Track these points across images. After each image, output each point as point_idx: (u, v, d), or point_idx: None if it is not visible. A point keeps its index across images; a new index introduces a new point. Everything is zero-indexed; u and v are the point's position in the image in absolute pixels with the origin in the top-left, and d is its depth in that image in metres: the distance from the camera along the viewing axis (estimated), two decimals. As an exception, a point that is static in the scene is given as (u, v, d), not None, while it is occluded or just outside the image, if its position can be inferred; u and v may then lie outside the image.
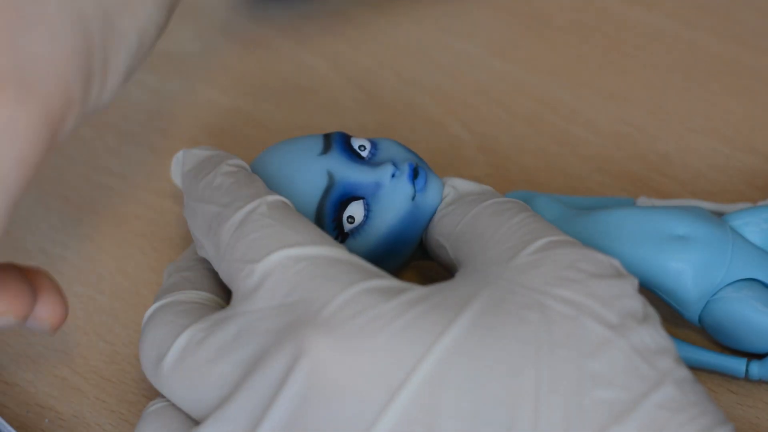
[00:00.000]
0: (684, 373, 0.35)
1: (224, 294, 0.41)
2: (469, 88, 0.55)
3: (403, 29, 0.57)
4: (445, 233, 0.41)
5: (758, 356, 0.43)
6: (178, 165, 0.44)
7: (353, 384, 0.34)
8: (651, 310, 0.36)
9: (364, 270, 0.37)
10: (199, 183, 0.41)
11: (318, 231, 0.38)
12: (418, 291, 0.36)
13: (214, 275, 0.42)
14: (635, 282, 0.37)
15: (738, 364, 0.43)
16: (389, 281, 0.37)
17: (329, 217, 0.42)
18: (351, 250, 0.42)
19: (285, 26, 0.58)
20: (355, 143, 0.43)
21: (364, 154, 0.43)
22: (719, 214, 0.46)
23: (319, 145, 0.43)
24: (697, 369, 0.44)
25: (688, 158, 0.51)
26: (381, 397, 0.34)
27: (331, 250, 0.37)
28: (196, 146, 0.44)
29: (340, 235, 0.42)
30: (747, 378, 0.43)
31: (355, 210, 0.42)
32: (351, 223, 0.42)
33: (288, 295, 0.36)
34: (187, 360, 0.37)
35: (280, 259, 0.37)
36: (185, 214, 0.41)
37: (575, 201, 0.48)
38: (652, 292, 0.43)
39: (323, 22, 0.58)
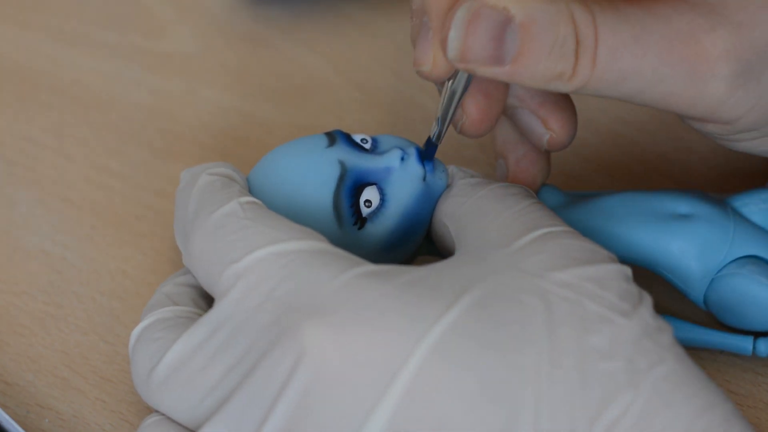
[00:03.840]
0: (683, 351, 0.35)
1: (205, 305, 0.41)
2: (469, 88, 0.55)
3: (403, 29, 0.57)
4: (449, 213, 0.42)
5: (765, 334, 0.43)
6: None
7: (353, 371, 0.34)
8: (646, 295, 0.36)
9: (352, 259, 0.37)
10: (181, 197, 0.41)
11: (297, 226, 0.38)
12: (414, 273, 0.36)
13: (193, 288, 0.42)
14: (629, 270, 0.37)
15: (745, 342, 0.43)
16: (381, 266, 0.37)
17: (347, 203, 0.42)
18: (371, 235, 0.42)
19: (285, 26, 0.58)
20: (356, 138, 0.44)
21: (367, 146, 0.43)
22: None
23: (323, 140, 0.43)
24: (701, 356, 0.44)
25: (688, 158, 0.51)
26: (382, 380, 0.34)
27: (314, 244, 0.37)
28: (199, 164, 0.44)
29: (359, 220, 0.42)
30: (754, 355, 0.43)
31: (371, 194, 0.42)
32: (368, 206, 0.42)
33: (275, 290, 0.36)
34: (179, 370, 0.37)
35: (264, 256, 0.37)
36: (174, 226, 0.42)
37: (576, 194, 0.48)
38: (656, 273, 0.43)
39: (323, 22, 0.58)
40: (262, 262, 0.37)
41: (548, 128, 0.44)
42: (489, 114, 0.43)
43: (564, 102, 0.44)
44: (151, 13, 0.58)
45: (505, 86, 0.43)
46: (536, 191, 0.45)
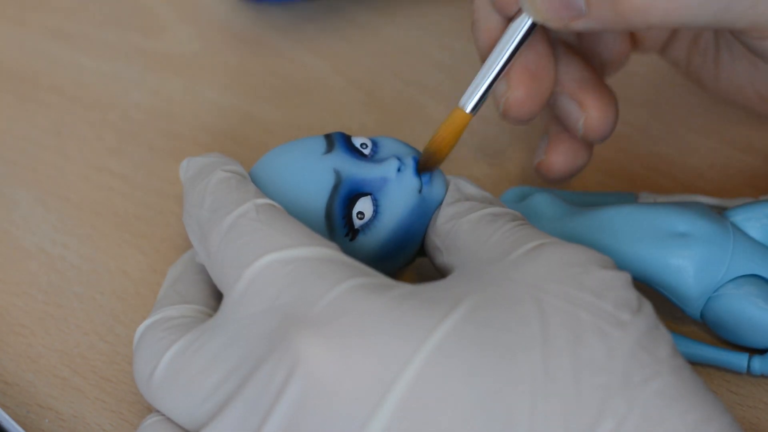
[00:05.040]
0: (681, 362, 0.35)
1: (215, 303, 0.41)
2: (469, 88, 0.55)
3: (403, 29, 0.57)
4: (441, 236, 0.42)
5: (760, 351, 0.43)
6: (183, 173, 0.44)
7: (347, 382, 0.34)
8: (645, 302, 0.36)
9: (353, 268, 0.37)
10: (194, 189, 0.41)
11: (307, 232, 0.38)
12: (408, 287, 0.36)
13: (205, 284, 0.42)
14: (628, 276, 0.37)
15: (740, 360, 0.43)
16: (379, 278, 0.37)
17: (339, 215, 0.42)
18: (362, 247, 0.42)
19: (285, 26, 0.58)
20: (356, 142, 0.43)
21: (366, 151, 0.43)
22: (721, 209, 0.46)
23: (321, 145, 0.43)
24: (698, 365, 0.44)
25: (688, 158, 0.51)
26: (375, 393, 0.34)
27: (319, 251, 0.37)
28: (202, 154, 0.44)
29: (350, 231, 0.42)
30: (749, 373, 0.43)
31: (364, 206, 0.42)
32: (361, 218, 0.42)
33: (277, 298, 0.36)
34: (179, 371, 0.37)
35: (269, 263, 0.37)
36: (183, 220, 0.41)
37: (575, 197, 0.48)
38: (653, 289, 0.43)
39: (323, 22, 0.58)
40: (267, 268, 0.37)
41: (584, 110, 0.44)
42: (535, 96, 0.44)
43: (603, 88, 0.45)
44: (151, 12, 0.58)
45: (554, 68, 0.44)
46: (574, 174, 0.47)
